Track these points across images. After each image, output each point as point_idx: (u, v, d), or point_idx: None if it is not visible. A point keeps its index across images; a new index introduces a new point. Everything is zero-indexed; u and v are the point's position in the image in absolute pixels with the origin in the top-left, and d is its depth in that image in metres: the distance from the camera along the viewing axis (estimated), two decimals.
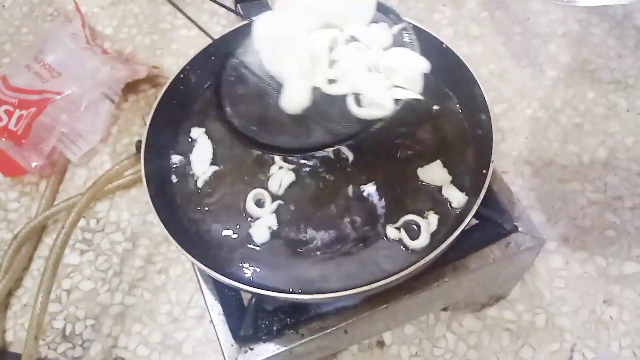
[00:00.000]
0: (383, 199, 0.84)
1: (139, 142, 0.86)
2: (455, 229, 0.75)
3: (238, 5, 1.00)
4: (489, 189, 0.87)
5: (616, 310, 1.04)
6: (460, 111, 0.91)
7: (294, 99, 0.74)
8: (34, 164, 1.22)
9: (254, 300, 0.80)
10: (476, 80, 0.83)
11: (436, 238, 0.80)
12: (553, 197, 1.13)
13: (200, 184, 0.87)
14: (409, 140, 0.89)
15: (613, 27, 1.31)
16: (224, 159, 0.90)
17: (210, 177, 0.88)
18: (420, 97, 0.72)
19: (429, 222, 0.81)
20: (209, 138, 0.91)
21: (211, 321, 0.84)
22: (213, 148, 0.90)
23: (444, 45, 0.86)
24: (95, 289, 1.14)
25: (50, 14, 1.54)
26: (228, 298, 0.84)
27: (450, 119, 0.90)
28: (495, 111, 1.22)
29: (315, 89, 0.74)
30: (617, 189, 1.14)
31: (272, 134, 0.75)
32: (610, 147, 1.18)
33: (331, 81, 0.74)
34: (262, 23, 0.77)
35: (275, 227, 0.83)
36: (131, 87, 1.36)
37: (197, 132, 0.92)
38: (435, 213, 0.82)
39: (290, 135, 0.75)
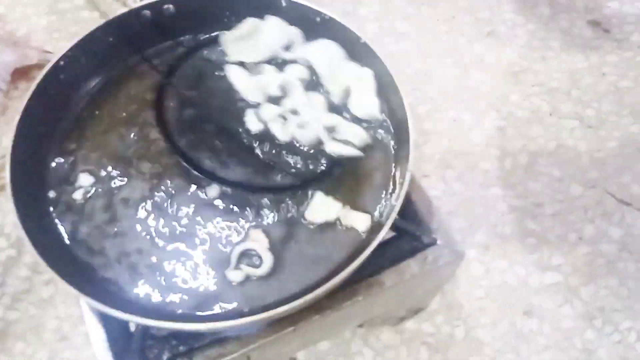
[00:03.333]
0: None
1: None
2: (366, 246, 0.67)
3: None
4: (408, 199, 0.81)
5: (536, 322, 1.01)
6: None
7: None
8: None
9: (140, 325, 0.70)
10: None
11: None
12: (475, 202, 1.09)
13: (78, 196, 0.75)
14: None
15: (538, 29, 1.29)
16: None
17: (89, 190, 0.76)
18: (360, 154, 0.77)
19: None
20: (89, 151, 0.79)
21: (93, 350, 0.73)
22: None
23: (361, 41, 0.78)
24: None
25: None
26: (112, 322, 0.74)
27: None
28: (419, 112, 1.16)
29: None
30: (538, 195, 1.11)
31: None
32: (532, 152, 1.15)
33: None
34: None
35: None
36: (22, 74, 1.22)
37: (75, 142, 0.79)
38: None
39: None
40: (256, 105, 0.80)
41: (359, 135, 0.77)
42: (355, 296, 0.76)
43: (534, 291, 1.03)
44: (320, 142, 0.77)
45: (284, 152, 0.77)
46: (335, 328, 0.91)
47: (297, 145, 0.78)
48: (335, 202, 0.74)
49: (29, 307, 1.00)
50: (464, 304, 1.02)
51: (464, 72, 1.20)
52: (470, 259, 1.05)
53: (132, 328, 0.74)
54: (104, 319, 0.74)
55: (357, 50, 0.80)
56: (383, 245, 0.78)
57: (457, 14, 1.27)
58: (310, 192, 0.74)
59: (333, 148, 0.77)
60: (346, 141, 0.77)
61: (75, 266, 0.72)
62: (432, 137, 1.14)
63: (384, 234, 0.68)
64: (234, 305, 0.68)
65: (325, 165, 0.76)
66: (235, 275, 0.69)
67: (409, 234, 0.79)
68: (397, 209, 0.70)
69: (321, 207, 0.74)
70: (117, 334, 0.73)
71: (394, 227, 0.77)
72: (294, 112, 0.79)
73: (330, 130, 0.78)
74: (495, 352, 0.99)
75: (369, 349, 0.99)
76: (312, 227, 0.73)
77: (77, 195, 0.75)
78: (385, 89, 0.79)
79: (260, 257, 0.71)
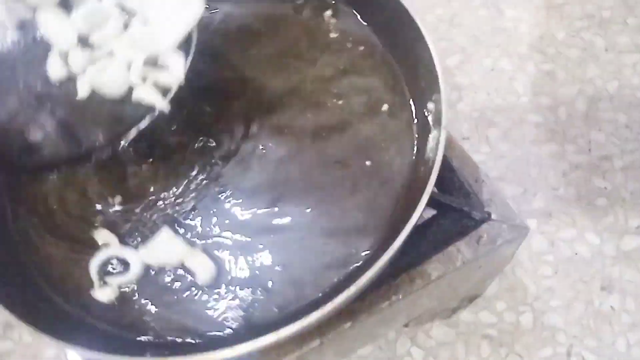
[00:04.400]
0: None
1: None
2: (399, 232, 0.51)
3: None
4: (447, 167, 0.64)
5: (618, 298, 0.86)
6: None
7: None
8: None
9: None
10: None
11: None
12: (528, 163, 0.92)
13: None
14: None
15: None
16: None
17: None
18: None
19: None
20: None
21: None
22: None
23: None
24: None
25: None
26: None
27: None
28: (448, 65, 0.99)
29: None
30: (603, 146, 0.95)
31: None
32: (590, 97, 0.99)
33: None
34: None
35: None
36: None
37: None
38: None
39: None
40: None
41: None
42: (393, 295, 0.61)
43: (612, 261, 0.88)
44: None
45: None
46: (374, 333, 0.75)
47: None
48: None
49: (23, 334, 0.88)
50: (529, 285, 0.86)
51: (496, 11, 1.02)
52: (531, 231, 0.87)
53: None
54: None
55: None
56: (422, 227, 0.62)
57: None
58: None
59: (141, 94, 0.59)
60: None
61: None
62: (467, 92, 0.97)
63: (419, 213, 0.51)
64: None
65: None
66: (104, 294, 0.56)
67: (455, 210, 0.63)
68: (432, 178, 0.53)
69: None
70: None
71: (433, 204, 0.61)
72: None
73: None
74: (572, 338, 0.83)
75: (418, 349, 0.84)
76: None
77: None
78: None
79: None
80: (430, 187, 0.53)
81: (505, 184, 0.91)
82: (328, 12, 0.71)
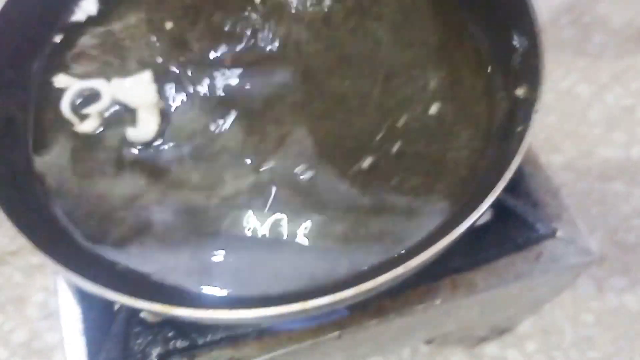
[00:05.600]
0: None
1: None
2: (458, 222, 0.43)
3: None
4: (519, 171, 0.57)
5: None
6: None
7: None
8: None
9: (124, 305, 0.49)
10: None
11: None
12: (590, 198, 0.84)
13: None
14: None
15: None
16: None
17: None
18: None
19: None
20: None
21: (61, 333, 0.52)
22: None
23: None
24: None
25: None
26: (91, 296, 0.53)
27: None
28: None
29: None
30: None
31: None
32: None
33: None
34: None
35: None
36: None
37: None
38: None
39: None
40: None
41: None
42: (431, 298, 0.53)
43: None
44: None
45: None
46: (395, 341, 0.67)
47: None
48: None
49: (15, 273, 0.82)
50: (566, 330, 0.78)
51: (583, 33, 0.94)
52: None
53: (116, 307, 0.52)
54: (82, 292, 0.53)
55: None
56: (480, 230, 0.55)
57: None
58: None
59: None
60: None
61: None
62: None
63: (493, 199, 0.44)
64: None
65: None
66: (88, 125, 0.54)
67: (519, 218, 0.56)
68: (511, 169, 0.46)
69: None
70: (96, 312, 0.52)
71: (496, 205, 0.54)
72: None
73: None
74: None
75: None
76: None
77: None
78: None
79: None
80: (505, 179, 0.45)
81: None
82: None
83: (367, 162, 0.52)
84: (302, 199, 0.50)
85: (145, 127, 0.54)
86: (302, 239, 0.48)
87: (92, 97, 0.56)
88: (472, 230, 0.52)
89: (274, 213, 0.50)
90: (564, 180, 0.85)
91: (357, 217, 0.50)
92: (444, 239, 0.42)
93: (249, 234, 0.48)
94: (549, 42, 0.92)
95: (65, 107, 0.55)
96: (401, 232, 0.50)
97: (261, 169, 0.51)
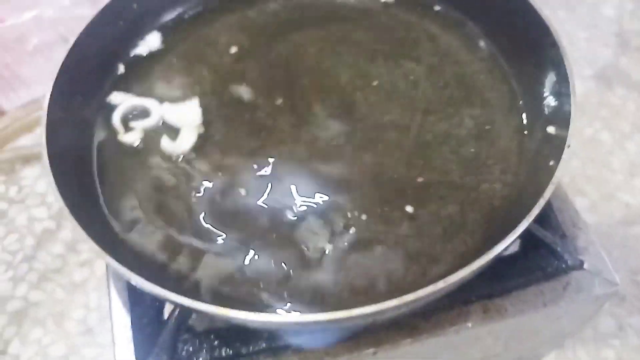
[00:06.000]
0: None
1: None
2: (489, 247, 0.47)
3: None
4: (549, 204, 0.60)
5: None
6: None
7: None
8: None
9: (177, 311, 0.52)
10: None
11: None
12: (611, 241, 0.86)
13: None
14: None
15: None
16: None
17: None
18: None
19: None
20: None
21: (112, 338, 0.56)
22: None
23: None
24: None
25: None
26: (143, 304, 0.56)
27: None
28: None
29: None
30: None
31: None
32: None
33: None
34: None
35: None
36: None
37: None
38: None
39: None
40: None
41: None
42: (463, 321, 0.56)
43: None
44: None
45: None
46: None
47: None
48: None
49: (57, 289, 0.86)
50: None
51: (606, 86, 0.99)
52: (602, 310, 0.81)
53: (166, 314, 0.56)
54: (134, 300, 0.56)
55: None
56: (510, 259, 0.58)
57: (600, 22, 1.07)
58: None
59: None
60: None
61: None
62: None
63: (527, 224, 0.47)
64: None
65: None
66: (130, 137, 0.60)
67: (546, 249, 0.58)
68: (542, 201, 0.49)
69: None
70: (146, 320, 0.56)
71: (525, 236, 0.57)
72: None
73: None
74: None
75: None
76: None
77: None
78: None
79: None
80: (536, 210, 0.49)
81: None
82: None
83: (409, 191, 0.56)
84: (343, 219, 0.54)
85: (182, 143, 0.60)
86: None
87: (141, 114, 0.62)
88: (503, 258, 0.56)
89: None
90: (587, 221, 0.88)
91: (396, 238, 0.54)
92: (478, 260, 0.46)
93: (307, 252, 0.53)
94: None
95: (116, 118, 0.62)
96: (437, 255, 0.54)
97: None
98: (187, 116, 0.62)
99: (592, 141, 0.94)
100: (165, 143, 0.60)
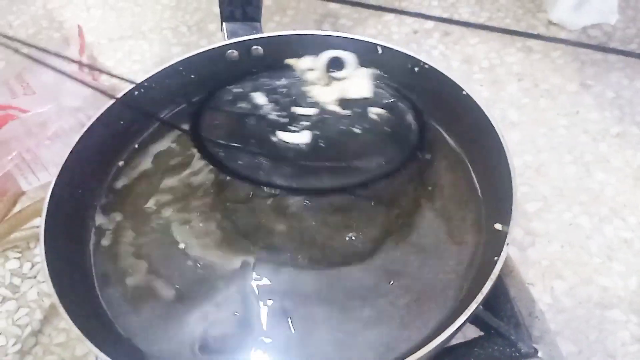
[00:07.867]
0: None
1: None
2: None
3: (223, 24, 0.84)
4: (503, 293, 0.65)
5: None
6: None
7: None
8: None
9: None
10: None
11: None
12: (588, 324, 0.88)
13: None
14: None
15: None
16: None
17: None
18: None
19: None
20: None
21: None
22: None
23: (463, 93, 0.67)
24: (4, 346, 0.92)
25: (56, 39, 1.44)
26: None
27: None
28: (527, 209, 1.00)
29: None
30: None
31: None
32: None
33: None
34: None
35: None
36: None
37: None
38: None
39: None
40: None
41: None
42: None
43: None
44: None
45: None
46: None
47: None
48: None
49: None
50: None
51: (585, 171, 1.03)
52: None
53: None
54: None
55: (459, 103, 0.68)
56: (465, 347, 0.62)
57: (581, 110, 1.13)
58: None
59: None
60: None
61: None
62: (541, 240, 0.96)
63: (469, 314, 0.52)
64: None
65: None
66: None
67: (502, 337, 0.62)
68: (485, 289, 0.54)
69: None
70: None
71: (480, 324, 0.61)
72: None
73: None
74: None
75: None
76: None
77: None
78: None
79: None
80: (477, 301, 0.54)
81: (561, 339, 0.88)
82: None
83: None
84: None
85: None
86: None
87: None
88: (457, 346, 0.60)
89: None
90: (565, 305, 0.91)
91: (354, 327, 0.59)
92: (423, 349, 0.51)
93: None
94: (550, 176, 1.02)
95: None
96: (393, 343, 0.58)
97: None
98: None
99: (571, 225, 0.98)
100: None
